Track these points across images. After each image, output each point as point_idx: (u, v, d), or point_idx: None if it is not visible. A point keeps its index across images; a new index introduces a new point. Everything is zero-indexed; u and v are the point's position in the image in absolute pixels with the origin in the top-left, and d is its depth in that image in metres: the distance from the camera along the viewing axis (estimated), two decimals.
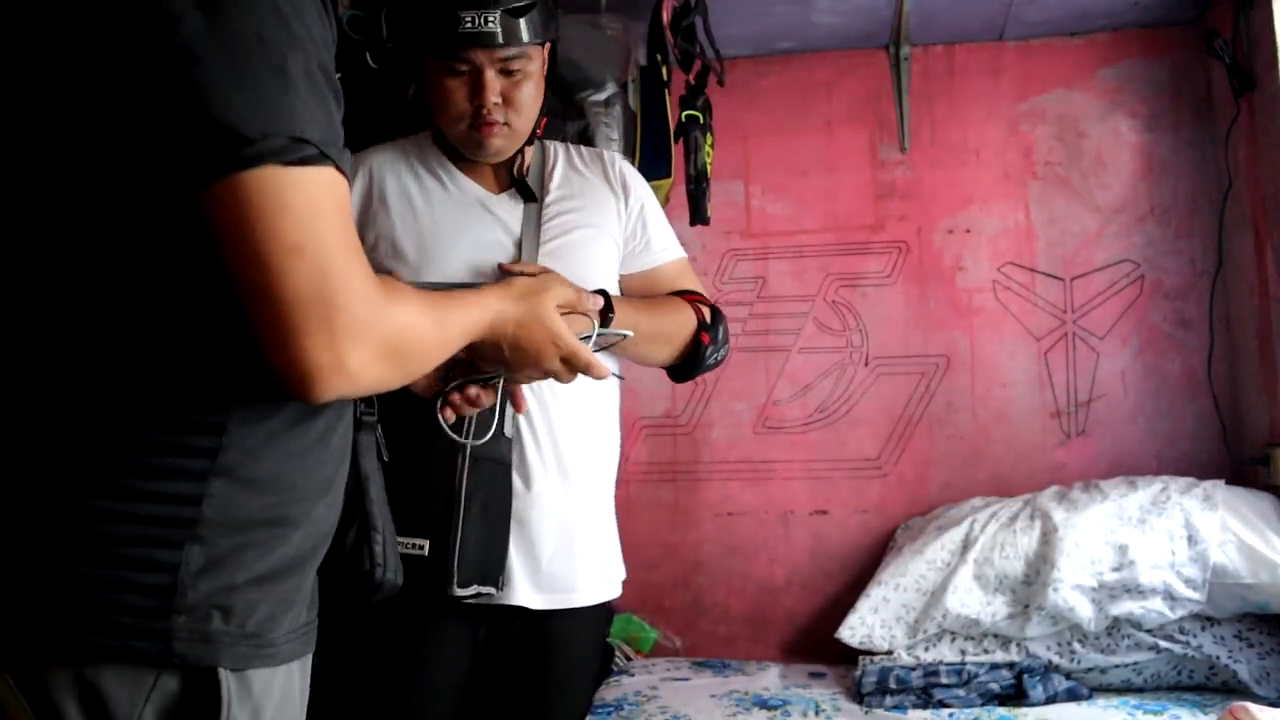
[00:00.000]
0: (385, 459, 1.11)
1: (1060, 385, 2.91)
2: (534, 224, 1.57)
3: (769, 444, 3.02)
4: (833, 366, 3.01)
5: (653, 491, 3.03)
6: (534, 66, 1.54)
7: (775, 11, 2.85)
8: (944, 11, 2.87)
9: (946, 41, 3.04)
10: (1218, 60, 2.72)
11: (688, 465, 3.05)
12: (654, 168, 2.42)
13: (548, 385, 1.53)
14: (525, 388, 1.51)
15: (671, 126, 2.49)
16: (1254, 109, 2.63)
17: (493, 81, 1.50)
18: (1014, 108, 3.01)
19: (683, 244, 1.75)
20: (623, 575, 1.67)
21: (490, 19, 1.47)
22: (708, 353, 1.63)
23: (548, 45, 1.58)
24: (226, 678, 0.80)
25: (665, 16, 2.37)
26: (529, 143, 1.60)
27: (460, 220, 1.56)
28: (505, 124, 1.53)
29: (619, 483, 1.72)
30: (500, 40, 1.48)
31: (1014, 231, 2.98)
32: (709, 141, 2.40)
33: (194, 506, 0.80)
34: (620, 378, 1.64)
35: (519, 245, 1.55)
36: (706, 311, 1.65)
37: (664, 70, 2.51)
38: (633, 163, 2.35)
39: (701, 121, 2.37)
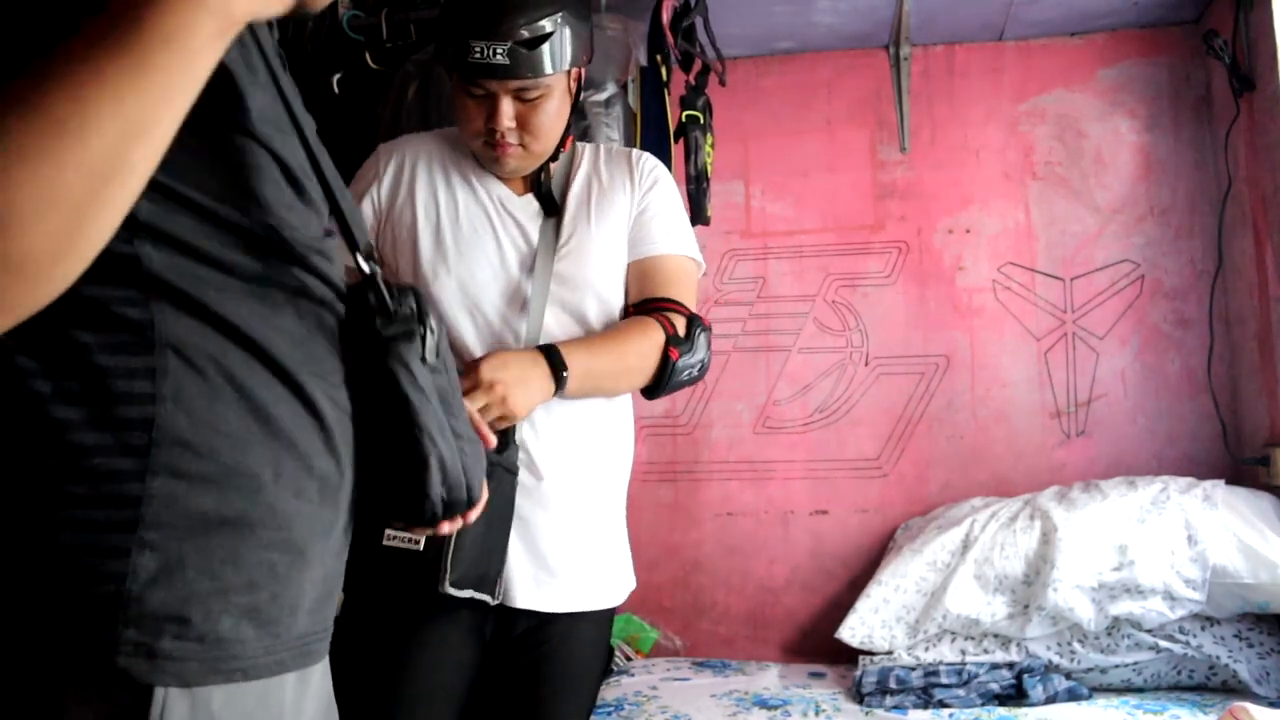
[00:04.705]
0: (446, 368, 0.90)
1: (1060, 385, 2.91)
2: (551, 234, 1.56)
3: (769, 444, 3.02)
4: (833, 366, 3.01)
5: (653, 491, 3.03)
6: (555, 90, 1.49)
7: (775, 11, 2.85)
8: (944, 11, 2.87)
9: (946, 41, 3.05)
10: (1218, 60, 2.72)
11: (688, 465, 3.05)
12: None
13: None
14: None
15: (671, 127, 2.49)
16: (1254, 109, 2.63)
17: (507, 107, 1.46)
18: (1014, 108, 3.02)
19: None
20: (632, 585, 1.64)
21: (499, 50, 1.41)
22: (678, 369, 1.52)
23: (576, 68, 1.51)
24: (162, 696, 0.72)
25: (665, 16, 2.37)
26: (553, 158, 1.57)
27: (483, 218, 1.56)
28: (520, 145, 1.50)
29: None
30: (512, 73, 1.43)
31: (1014, 231, 2.98)
32: (709, 142, 2.40)
33: (133, 509, 0.71)
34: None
35: (534, 254, 1.55)
36: (679, 323, 1.54)
37: (664, 70, 2.51)
38: None
39: (702, 122, 2.37)
